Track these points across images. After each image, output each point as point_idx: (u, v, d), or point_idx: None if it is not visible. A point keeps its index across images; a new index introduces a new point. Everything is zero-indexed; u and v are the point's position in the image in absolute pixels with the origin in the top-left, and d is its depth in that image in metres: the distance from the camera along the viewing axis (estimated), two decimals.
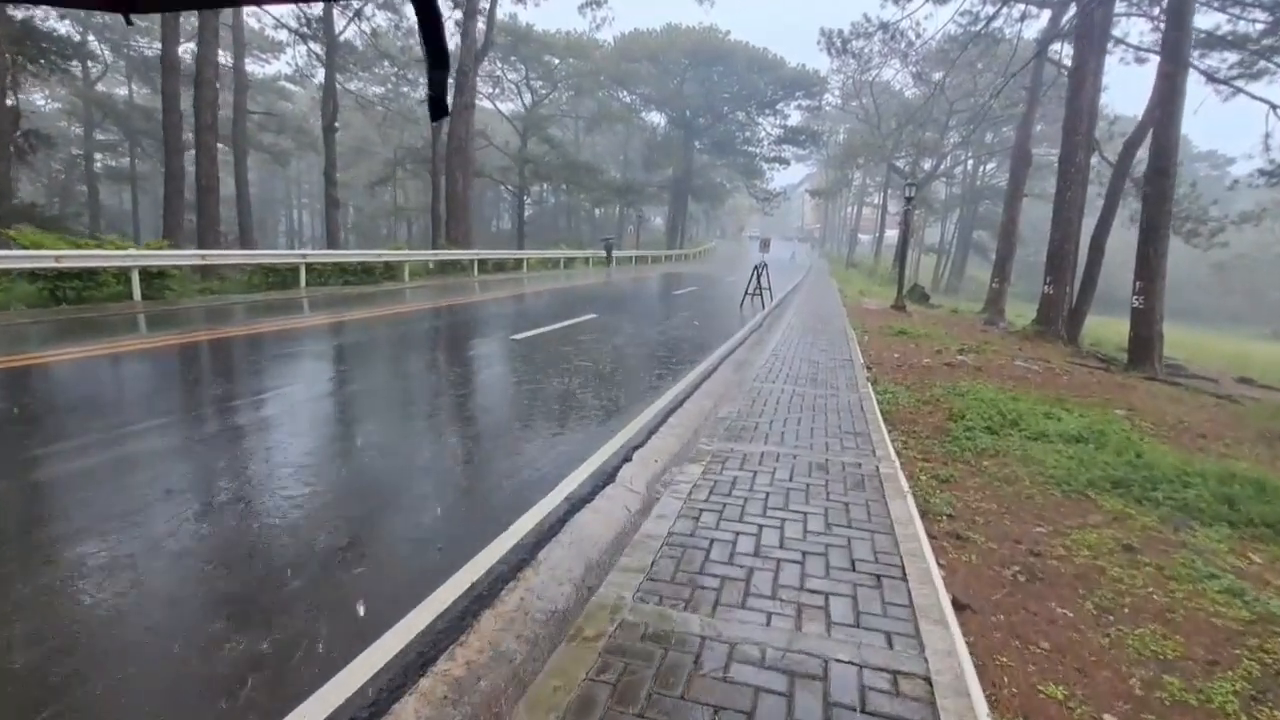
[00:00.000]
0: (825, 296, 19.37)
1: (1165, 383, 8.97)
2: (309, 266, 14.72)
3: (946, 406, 5.88)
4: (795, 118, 49.14)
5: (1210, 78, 17.94)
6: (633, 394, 5.66)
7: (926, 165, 41.08)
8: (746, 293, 14.04)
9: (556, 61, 41.52)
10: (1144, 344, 9.63)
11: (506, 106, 44.31)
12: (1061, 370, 8.41)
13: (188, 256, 12.14)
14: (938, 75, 32.04)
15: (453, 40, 24.05)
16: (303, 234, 66.17)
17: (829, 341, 9.27)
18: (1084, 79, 13.73)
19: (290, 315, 9.60)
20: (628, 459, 3.87)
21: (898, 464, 3.97)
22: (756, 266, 14.18)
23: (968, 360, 8.08)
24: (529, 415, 4.82)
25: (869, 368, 7.64)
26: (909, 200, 16.62)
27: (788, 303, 16.28)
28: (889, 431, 4.96)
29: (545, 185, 53.54)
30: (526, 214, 73.96)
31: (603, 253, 30.47)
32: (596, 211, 64.19)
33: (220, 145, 22.07)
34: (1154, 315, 9.56)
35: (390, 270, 17.69)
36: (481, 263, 22.87)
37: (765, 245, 35.16)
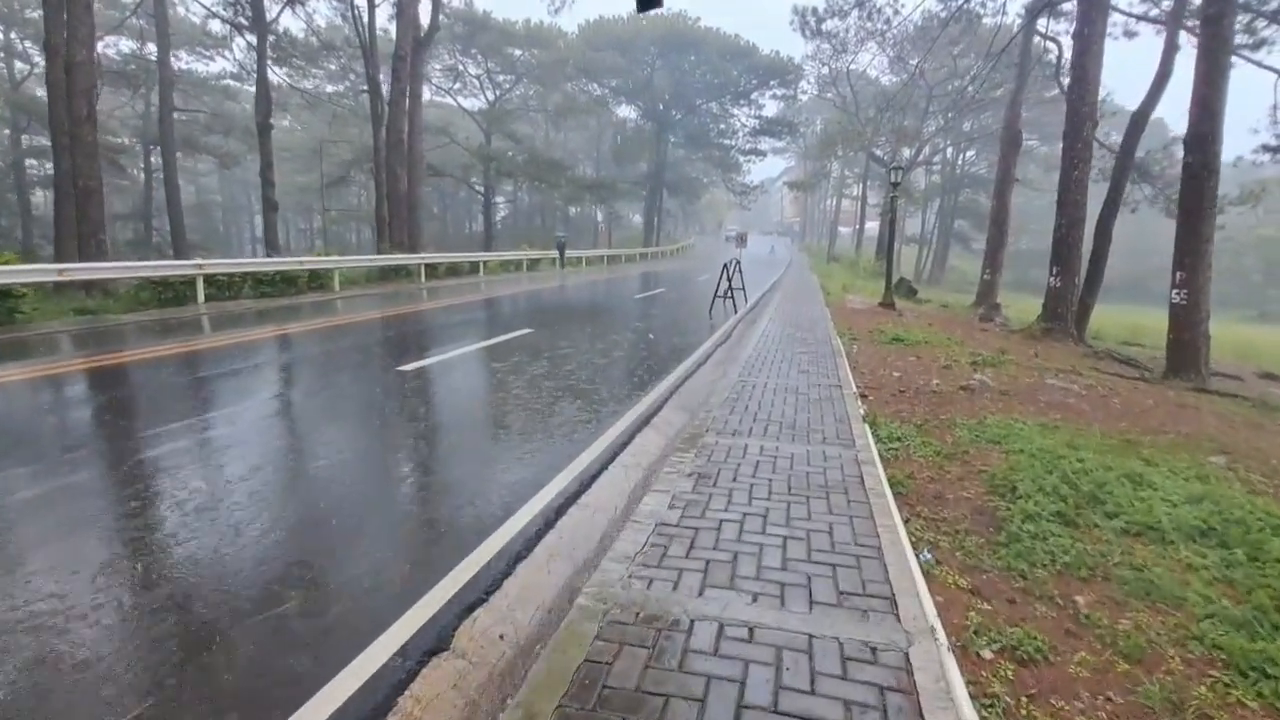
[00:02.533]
0: (806, 295, 17.63)
1: (1221, 395, 7.32)
2: (210, 279, 12.65)
3: (981, 464, 4.07)
4: (771, 108, 47.52)
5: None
6: (511, 483, 3.78)
7: (907, 153, 39.64)
8: (716, 295, 12.22)
9: (519, 53, 39.39)
10: (1187, 347, 7.99)
11: (472, 103, 42.13)
12: (1102, 388, 6.69)
13: (36, 272, 10.03)
14: (916, 60, 30.54)
15: (393, 24, 21.94)
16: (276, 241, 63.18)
17: (812, 357, 7.46)
18: (1090, 41, 12.09)
19: (138, 342, 7.57)
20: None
21: (939, 633, 2.14)
22: (726, 264, 12.33)
23: (987, 380, 6.31)
24: (287, 556, 2.92)
25: (863, 395, 5.84)
26: (895, 186, 14.93)
27: (765, 304, 14.50)
28: (907, 521, 3.14)
29: (518, 184, 51.41)
30: (500, 214, 71.72)
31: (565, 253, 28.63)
32: (572, 210, 62.08)
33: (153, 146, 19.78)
34: (1199, 312, 7.92)
35: (318, 279, 15.62)
36: (431, 267, 20.80)
37: (742, 240, 33.30)
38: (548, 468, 3.75)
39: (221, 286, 13.07)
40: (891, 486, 3.61)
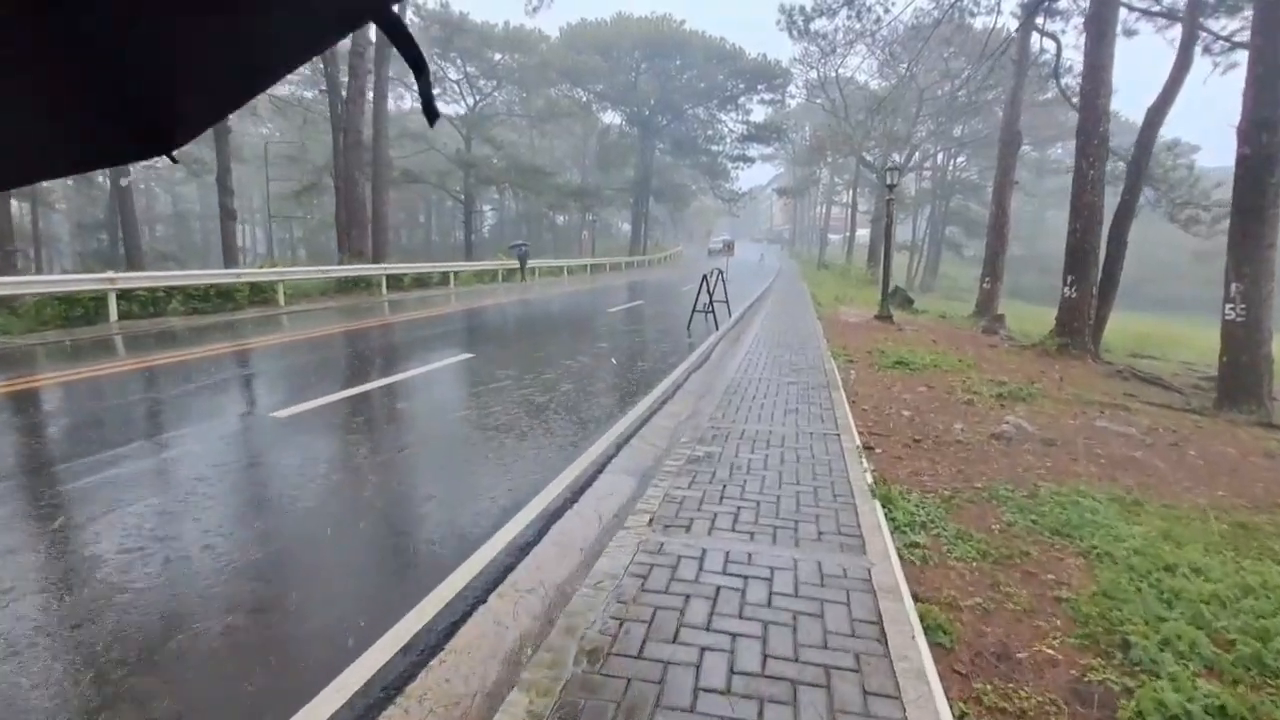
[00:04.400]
0: (796, 307, 16.35)
1: None
2: (127, 294, 11.21)
3: (1054, 578, 2.72)
4: (759, 114, 46.49)
5: (1219, 37, 15.50)
6: (376, 593, 2.39)
7: (898, 158, 38.71)
8: (695, 309, 10.89)
9: (499, 56, 38.16)
10: (1246, 372, 6.70)
11: (456, 109, 40.83)
12: (1165, 431, 5.37)
13: None
14: (906, 64, 29.59)
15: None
16: (252, 251, 61.19)
17: (802, 390, 6.12)
18: (1104, 27, 10.94)
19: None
20: None
21: None
22: (706, 276, 11.00)
23: (1023, 424, 4.98)
24: None
25: (869, 447, 4.50)
26: (890, 188, 13.69)
27: (750, 318, 13.18)
28: None
29: (501, 192, 50.09)
30: (488, 223, 70.21)
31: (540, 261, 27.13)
32: (561, 218, 60.70)
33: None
34: (1260, 331, 6.65)
35: (261, 293, 14.16)
36: (396, 279, 19.40)
37: (729, 249, 31.80)
38: (379, 611, 2.36)
39: (143, 303, 11.62)
40: (928, 633, 2.25)
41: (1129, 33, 20.89)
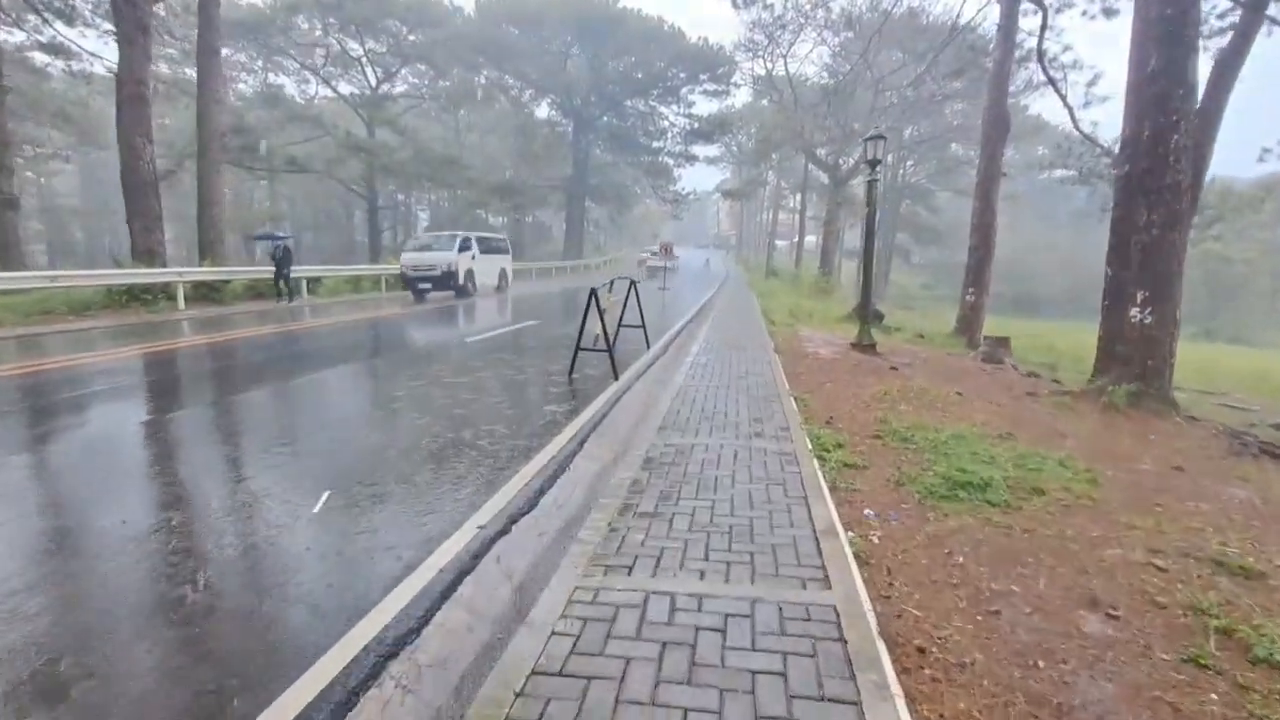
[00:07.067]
0: (745, 327, 12.32)
1: None
2: None
3: None
4: (703, 107, 42.92)
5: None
6: None
7: (851, 161, 35.75)
8: (580, 345, 6.56)
9: (404, 29, 33.06)
10: None
11: (349, 89, 35.26)
12: None
13: None
14: (861, 52, 26.45)
15: None
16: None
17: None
18: None
19: None
20: None
21: None
22: (595, 290, 6.54)
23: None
24: None
25: None
26: (873, 166, 9.84)
27: (681, 346, 9.00)
28: None
29: (416, 187, 44.62)
30: (422, 224, 63.73)
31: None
32: (497, 219, 55.17)
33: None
34: None
35: None
36: (211, 286, 14.39)
37: (667, 253, 26.88)
38: None
39: None
40: None
41: (1109, 11, 18.11)
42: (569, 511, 3.29)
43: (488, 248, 19.30)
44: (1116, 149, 9.85)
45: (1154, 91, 7.88)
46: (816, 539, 2.89)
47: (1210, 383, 12.57)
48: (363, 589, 2.40)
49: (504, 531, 2.93)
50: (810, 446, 4.36)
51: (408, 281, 16.60)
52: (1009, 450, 4.50)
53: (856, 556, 2.80)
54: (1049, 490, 3.69)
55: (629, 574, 2.54)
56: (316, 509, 3.11)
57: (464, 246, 17.45)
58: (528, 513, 3.13)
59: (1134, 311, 7.86)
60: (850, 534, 3.04)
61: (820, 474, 3.81)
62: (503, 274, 20.27)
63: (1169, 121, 7.76)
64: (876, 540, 3.05)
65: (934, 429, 4.99)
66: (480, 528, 2.94)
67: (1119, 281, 8.32)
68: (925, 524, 3.24)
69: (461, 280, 16.81)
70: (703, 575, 2.51)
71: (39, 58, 32.12)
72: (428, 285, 16.45)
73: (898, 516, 3.32)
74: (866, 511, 3.38)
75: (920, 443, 4.59)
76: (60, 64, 26.26)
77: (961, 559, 2.86)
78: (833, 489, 3.67)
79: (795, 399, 5.93)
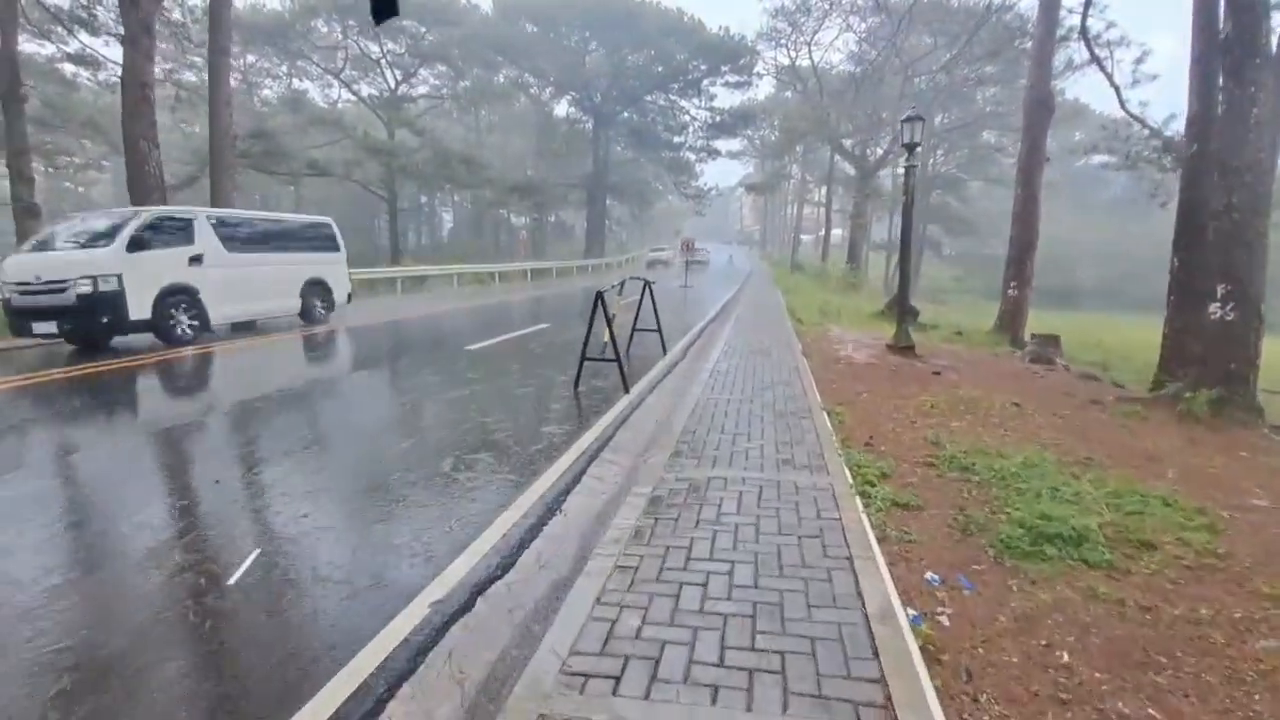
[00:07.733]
0: (770, 329, 11.55)
1: None
2: None
3: None
4: (724, 99, 41.78)
5: None
6: None
7: (880, 150, 34.45)
8: (585, 356, 5.92)
9: (423, 29, 32.80)
10: None
11: (371, 91, 35.19)
12: None
13: None
14: (886, 41, 25.28)
15: None
16: None
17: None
18: None
19: None
20: None
21: None
22: (601, 294, 5.88)
23: None
24: None
25: None
26: (910, 150, 8.97)
27: (701, 357, 8.30)
28: None
29: (438, 188, 44.53)
30: (446, 226, 63.82)
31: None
32: (518, 219, 54.81)
33: None
34: None
35: None
36: None
37: (687, 248, 25.98)
38: None
39: None
40: None
41: None
42: (555, 574, 2.64)
43: (254, 239, 10.24)
44: (1169, 129, 8.88)
45: (1228, 62, 6.95)
46: (869, 625, 2.19)
47: None
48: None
49: (466, 607, 2.30)
50: (851, 480, 3.64)
51: (11, 314, 8.19)
52: (1096, 483, 3.71)
53: (923, 651, 2.10)
54: (1161, 544, 2.92)
55: (614, 690, 1.88)
56: (234, 579, 2.51)
57: (140, 241, 8.33)
58: (537, 530, 2.49)
59: (1213, 307, 6.93)
60: (911, 612, 2.34)
61: (866, 520, 3.10)
62: (323, 289, 11.46)
63: (1246, 94, 6.82)
64: (947, 623, 2.34)
65: (997, 453, 4.23)
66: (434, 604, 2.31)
67: (1190, 272, 7.39)
68: (1009, 596, 2.52)
69: (136, 311, 8.14)
70: (716, 695, 1.84)
71: (68, 69, 32.66)
72: (48, 325, 7.91)
73: (971, 585, 2.59)
74: (929, 576, 2.66)
75: (984, 473, 3.83)
76: (86, 75, 26.60)
77: (1067, 656, 2.14)
78: (882, 539, 2.96)
79: (829, 413, 5.20)
